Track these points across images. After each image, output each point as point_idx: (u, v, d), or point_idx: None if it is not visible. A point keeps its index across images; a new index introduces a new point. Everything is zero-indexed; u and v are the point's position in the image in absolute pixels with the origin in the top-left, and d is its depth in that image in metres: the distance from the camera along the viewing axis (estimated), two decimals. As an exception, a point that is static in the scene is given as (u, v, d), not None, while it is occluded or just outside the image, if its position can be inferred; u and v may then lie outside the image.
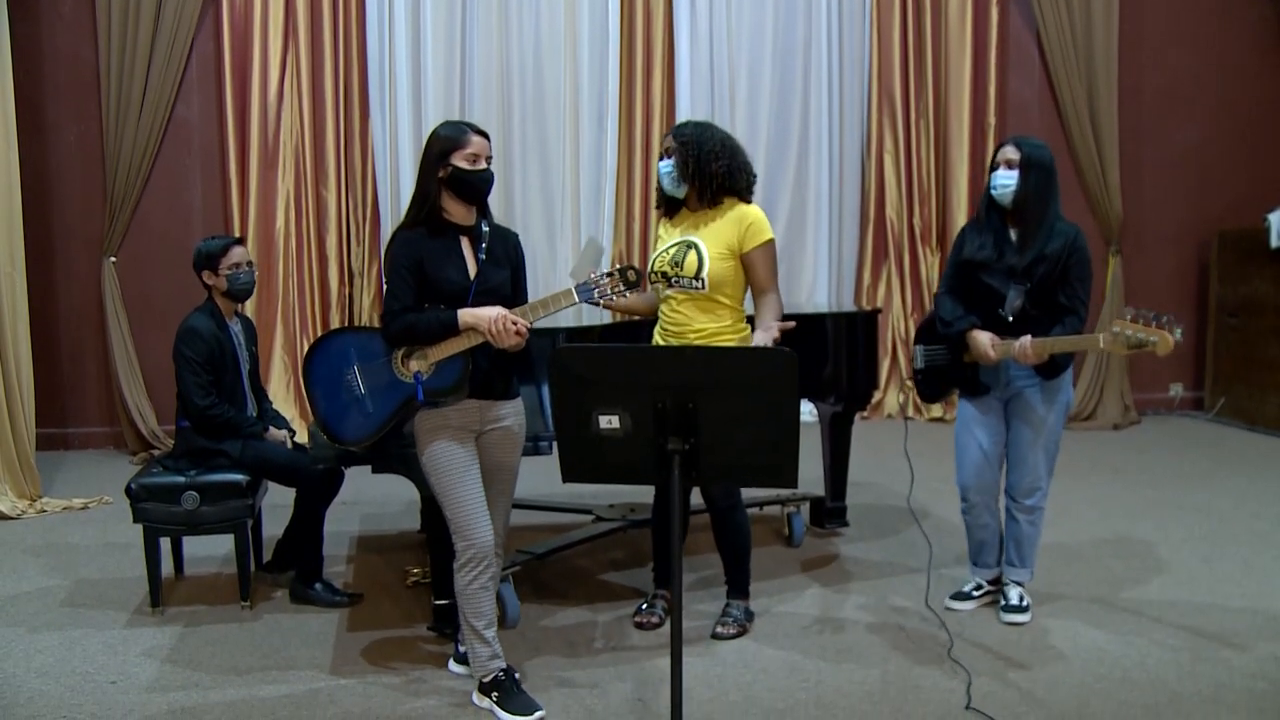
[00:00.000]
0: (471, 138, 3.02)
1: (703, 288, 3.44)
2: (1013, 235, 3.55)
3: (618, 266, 3.00)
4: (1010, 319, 3.52)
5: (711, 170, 3.44)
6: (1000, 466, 3.74)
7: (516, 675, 3.13)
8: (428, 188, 3.03)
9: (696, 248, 3.46)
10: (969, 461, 3.72)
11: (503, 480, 3.19)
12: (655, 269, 3.55)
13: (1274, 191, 7.54)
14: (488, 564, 3.02)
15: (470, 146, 3.01)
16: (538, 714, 3.00)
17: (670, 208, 3.63)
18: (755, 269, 3.48)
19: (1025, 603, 3.73)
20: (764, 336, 3.41)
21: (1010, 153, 3.52)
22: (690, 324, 3.48)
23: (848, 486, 4.92)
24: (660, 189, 3.60)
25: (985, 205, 3.63)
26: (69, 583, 4.24)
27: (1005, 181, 3.51)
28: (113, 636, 3.67)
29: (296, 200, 6.82)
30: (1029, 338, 3.39)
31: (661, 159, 3.54)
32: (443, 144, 3.01)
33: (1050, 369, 3.49)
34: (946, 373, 3.72)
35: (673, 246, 3.52)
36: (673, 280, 3.49)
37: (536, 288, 6.58)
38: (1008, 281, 3.52)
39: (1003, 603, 3.74)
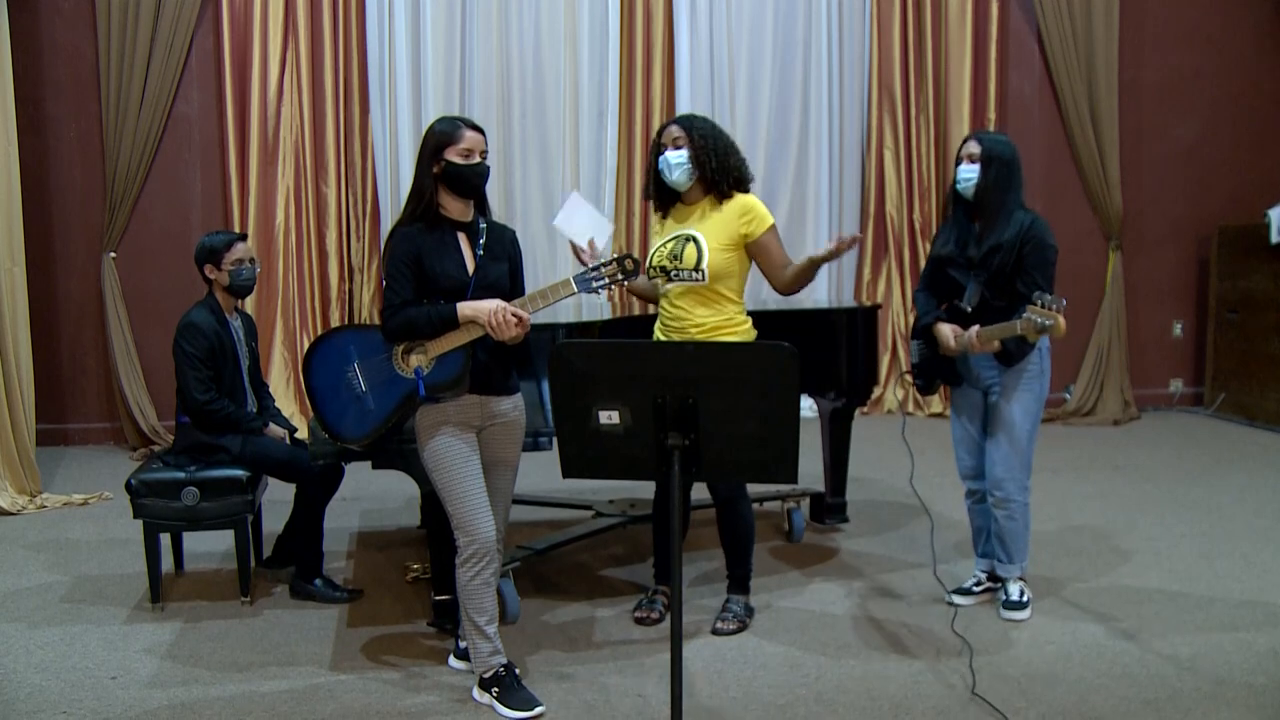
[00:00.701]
0: (465, 132, 3.02)
1: (703, 279, 3.45)
2: (977, 228, 3.60)
3: (615, 255, 3.01)
4: (969, 310, 3.58)
5: (729, 166, 3.47)
6: None
7: (517, 671, 3.13)
8: (423, 183, 3.03)
9: (696, 240, 3.46)
10: (961, 450, 3.83)
11: (503, 475, 3.20)
12: (654, 264, 3.55)
13: (1274, 187, 7.55)
14: (490, 559, 3.02)
15: (464, 141, 3.01)
16: (538, 710, 3.01)
17: (664, 202, 3.61)
18: (770, 252, 3.50)
19: (1025, 599, 3.74)
20: (828, 246, 3.32)
21: (972, 147, 3.58)
22: (691, 318, 3.48)
23: (848, 482, 4.93)
24: (658, 181, 3.55)
25: (951, 200, 3.70)
26: (69, 578, 4.24)
27: (967, 175, 3.56)
28: (113, 632, 3.68)
29: (296, 196, 6.82)
30: (976, 328, 3.49)
31: (666, 150, 3.48)
32: (437, 139, 3.02)
33: (1005, 356, 3.53)
34: (931, 366, 3.77)
35: (670, 240, 3.52)
36: (672, 274, 3.49)
37: (537, 283, 6.59)
38: (968, 273, 3.59)
39: (1003, 598, 3.75)
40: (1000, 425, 3.63)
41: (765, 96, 7.40)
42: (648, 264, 3.56)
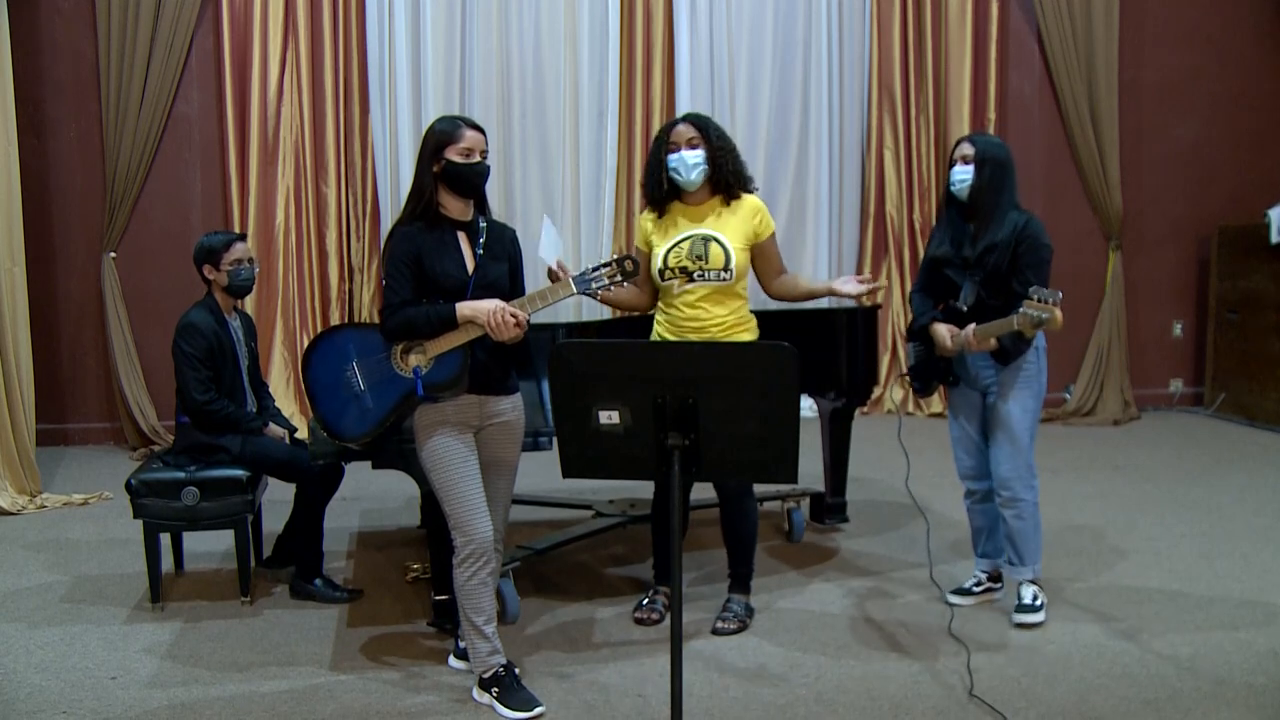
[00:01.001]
0: (465, 132, 3.02)
1: (731, 279, 3.47)
2: (971, 228, 3.60)
3: (614, 256, 3.00)
4: (965, 309, 3.58)
5: (740, 168, 3.54)
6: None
7: (516, 671, 3.13)
8: (423, 182, 3.03)
9: (718, 240, 3.47)
10: (960, 450, 3.82)
11: (502, 475, 3.19)
12: (670, 265, 3.50)
13: (1274, 187, 7.55)
14: (487, 559, 3.02)
15: (464, 141, 3.01)
16: (538, 710, 3.01)
17: (662, 201, 3.57)
18: (769, 255, 3.61)
19: (1039, 602, 3.68)
20: (859, 286, 3.54)
21: (966, 149, 3.58)
22: (712, 318, 3.49)
23: (848, 482, 4.93)
24: (669, 179, 3.50)
25: (946, 202, 3.71)
26: (69, 578, 4.24)
27: (962, 177, 3.57)
28: (113, 632, 3.68)
29: (296, 196, 6.82)
30: (972, 326, 3.49)
31: (681, 149, 3.46)
32: (437, 139, 3.02)
33: (1002, 355, 3.53)
34: (928, 367, 3.77)
35: (685, 240, 3.50)
36: (695, 274, 3.47)
37: (537, 283, 6.57)
38: (964, 273, 3.59)
39: (1016, 603, 3.70)
40: (1001, 425, 3.63)
41: (765, 96, 7.40)
42: (661, 264, 3.51)
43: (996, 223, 3.53)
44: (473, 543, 3.00)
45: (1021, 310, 3.28)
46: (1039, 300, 3.23)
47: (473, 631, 3.07)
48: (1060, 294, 3.24)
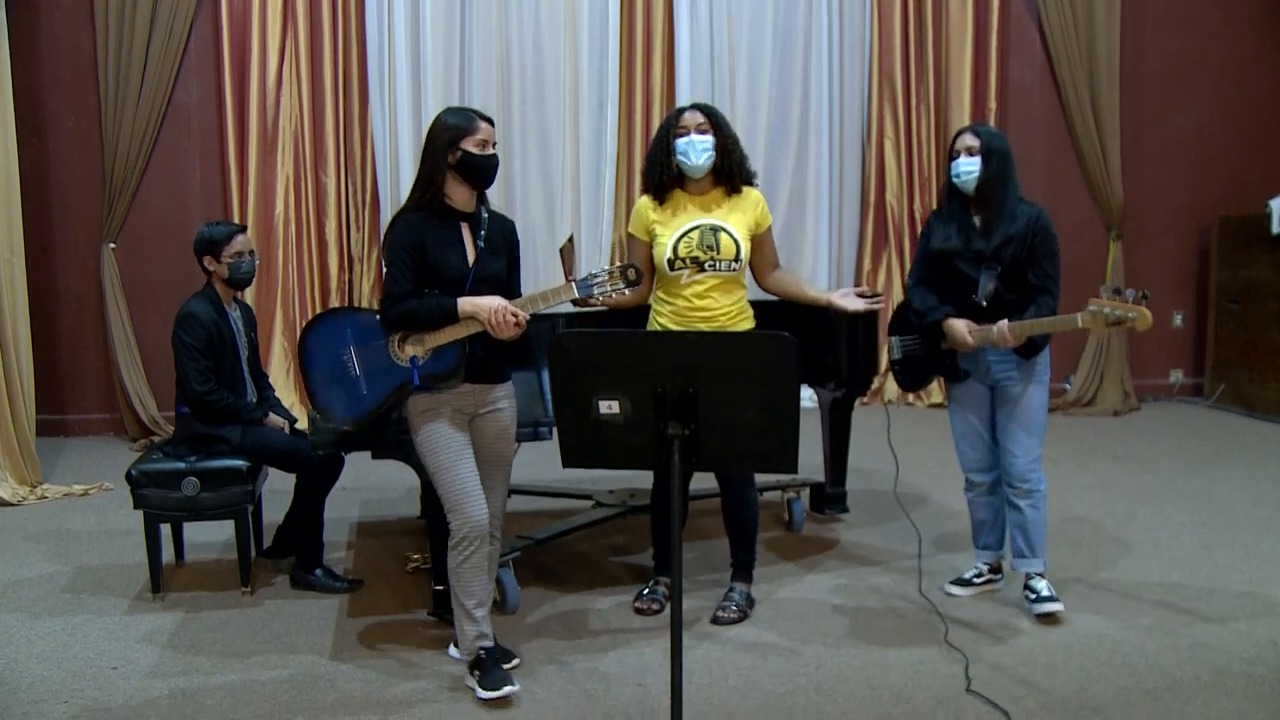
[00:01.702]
0: (480, 124, 3.06)
1: (740, 269, 3.50)
2: (976, 221, 3.57)
3: (617, 264, 3.01)
4: (984, 304, 3.54)
5: (744, 160, 3.56)
6: (996, 446, 3.74)
7: (509, 662, 3.15)
8: (434, 172, 3.03)
9: (727, 231, 3.47)
10: (965, 444, 3.78)
11: (498, 467, 3.21)
12: (681, 255, 3.47)
13: (1275, 177, 7.53)
14: (481, 543, 3.04)
15: (480, 133, 3.04)
16: (508, 689, 3.00)
17: (664, 187, 3.54)
18: (766, 247, 3.63)
19: (1054, 593, 3.66)
20: (861, 302, 3.64)
21: (970, 140, 3.54)
22: (719, 307, 3.50)
23: (847, 472, 4.93)
24: (675, 166, 3.49)
25: (947, 194, 3.66)
26: (70, 569, 4.25)
27: (968, 168, 3.53)
28: (113, 622, 3.68)
29: (296, 186, 6.81)
30: (1006, 322, 3.43)
31: (690, 134, 3.44)
32: (453, 131, 3.03)
33: (1029, 349, 3.52)
34: (925, 362, 3.74)
35: (693, 230, 3.48)
36: (706, 264, 3.47)
37: (536, 274, 6.58)
38: (978, 267, 3.55)
39: (1033, 596, 3.66)
40: (1018, 419, 3.59)
41: (765, 85, 7.38)
42: (672, 254, 3.49)
43: (1009, 215, 3.50)
44: (467, 525, 3.01)
45: (1093, 309, 3.23)
46: (1110, 296, 3.18)
47: (462, 614, 3.09)
48: (1147, 293, 3.18)
